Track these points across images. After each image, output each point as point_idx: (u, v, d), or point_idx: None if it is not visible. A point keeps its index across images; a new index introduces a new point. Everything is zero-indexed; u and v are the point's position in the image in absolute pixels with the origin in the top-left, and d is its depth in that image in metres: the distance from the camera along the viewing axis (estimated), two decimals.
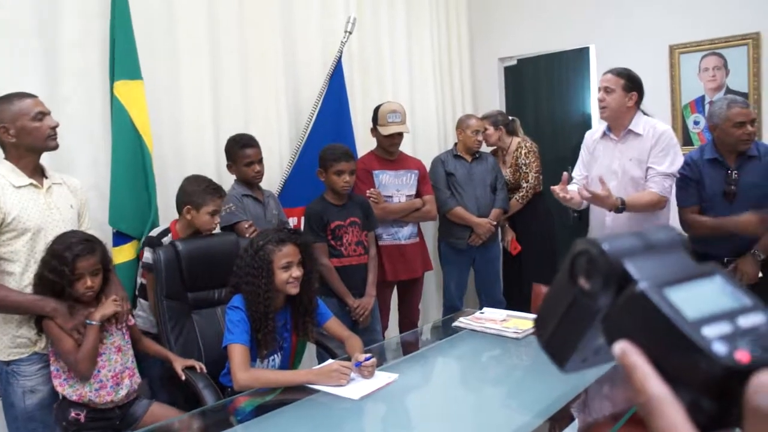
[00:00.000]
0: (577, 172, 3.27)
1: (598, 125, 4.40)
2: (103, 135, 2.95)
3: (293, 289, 2.35)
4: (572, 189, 3.11)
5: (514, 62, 5.25)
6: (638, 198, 2.93)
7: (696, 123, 4.20)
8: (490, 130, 4.29)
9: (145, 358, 2.62)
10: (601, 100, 3.03)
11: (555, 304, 0.57)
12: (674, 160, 2.96)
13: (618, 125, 3.05)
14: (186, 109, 3.27)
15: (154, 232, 2.87)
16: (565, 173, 3.03)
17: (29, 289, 2.25)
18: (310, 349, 3.22)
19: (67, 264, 2.18)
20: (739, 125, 2.91)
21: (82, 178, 2.72)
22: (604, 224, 3.11)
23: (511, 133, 4.40)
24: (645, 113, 3.09)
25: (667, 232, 0.57)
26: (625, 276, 0.51)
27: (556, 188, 2.95)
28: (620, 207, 2.86)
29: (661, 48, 4.25)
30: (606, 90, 3.00)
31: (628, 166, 3.01)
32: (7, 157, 2.30)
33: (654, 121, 3.08)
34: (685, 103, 4.23)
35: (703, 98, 4.16)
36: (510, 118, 4.46)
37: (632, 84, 2.99)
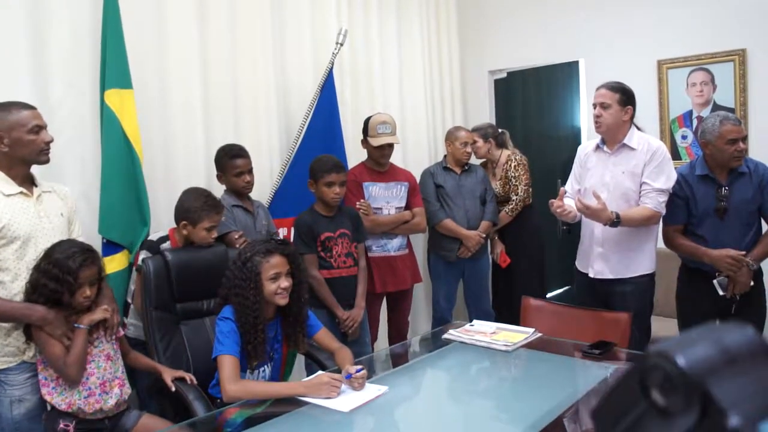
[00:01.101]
0: (569, 186, 3.29)
1: (587, 139, 4.46)
2: (93, 144, 2.94)
3: (282, 300, 2.34)
4: (568, 203, 3.14)
5: (504, 75, 5.28)
6: (633, 213, 2.96)
7: (684, 137, 4.25)
8: (480, 142, 4.31)
9: (133, 369, 2.61)
10: (597, 116, 3.04)
11: (620, 409, 0.52)
12: (669, 176, 3.00)
13: (613, 139, 3.08)
14: (176, 118, 3.27)
15: (154, 237, 2.86)
16: (562, 188, 3.05)
17: (19, 298, 2.23)
18: (299, 360, 3.21)
19: (71, 273, 2.18)
20: (732, 142, 2.93)
21: (72, 187, 2.71)
22: (593, 235, 3.13)
23: (501, 145, 4.42)
24: (638, 128, 3.12)
25: (745, 334, 0.51)
26: (708, 398, 0.46)
27: (554, 202, 2.96)
28: (615, 221, 2.89)
29: (650, 63, 4.30)
30: (602, 105, 3.02)
31: (620, 179, 3.04)
32: None
33: (647, 137, 3.13)
34: (673, 117, 4.27)
35: (691, 113, 4.21)
36: (500, 130, 4.48)
37: (627, 98, 3.03)
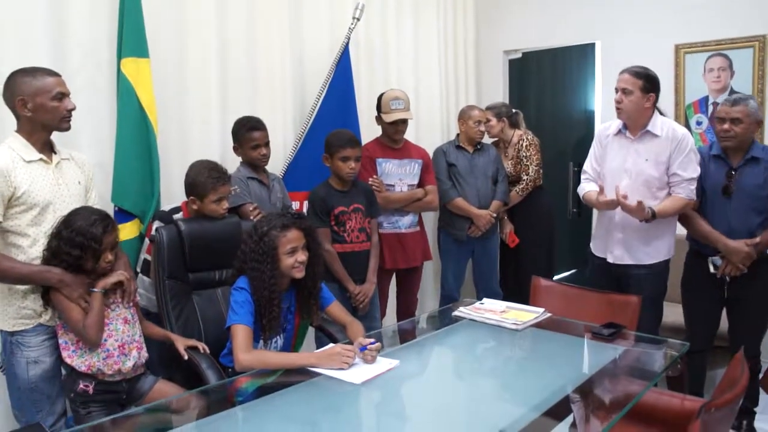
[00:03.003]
0: (588, 165, 3.28)
1: (601, 122, 4.44)
2: (108, 112, 2.95)
3: (299, 273, 2.36)
4: (591, 187, 3.16)
5: (519, 55, 5.25)
6: (668, 207, 2.98)
7: (699, 123, 4.22)
8: (493, 121, 4.30)
9: (144, 338, 2.63)
10: (618, 101, 3.02)
11: None
12: (696, 163, 3.02)
13: (635, 125, 3.06)
14: (191, 89, 3.27)
15: (166, 208, 2.88)
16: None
17: (37, 262, 2.26)
18: (309, 333, 3.24)
19: (96, 240, 2.22)
20: (719, 121, 2.98)
21: (86, 155, 2.71)
22: (613, 220, 3.13)
23: (514, 125, 4.41)
24: (661, 112, 3.11)
25: None
26: None
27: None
28: (651, 217, 2.92)
29: (667, 47, 4.26)
30: (624, 91, 2.99)
31: (643, 166, 3.03)
32: (18, 130, 2.30)
33: (671, 122, 3.11)
34: (688, 102, 4.25)
35: (706, 99, 4.18)
36: (513, 110, 4.47)
37: (650, 85, 2.99)
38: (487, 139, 4.31)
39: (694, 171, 3.00)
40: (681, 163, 2.98)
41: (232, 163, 3.20)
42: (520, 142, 4.29)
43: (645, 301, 2.84)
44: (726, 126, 2.95)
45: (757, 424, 3.20)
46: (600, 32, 4.64)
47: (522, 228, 4.38)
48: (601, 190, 3.00)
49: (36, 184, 2.26)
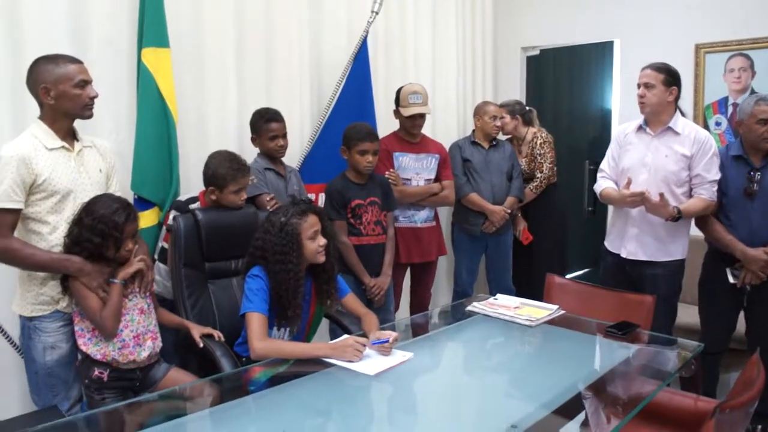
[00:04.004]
0: (606, 164, 3.29)
1: (618, 121, 4.43)
2: (128, 101, 2.97)
3: (322, 257, 2.40)
4: (608, 184, 3.16)
5: (537, 52, 5.24)
6: (692, 206, 2.99)
7: (717, 124, 4.20)
8: (507, 118, 4.30)
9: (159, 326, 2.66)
10: (641, 96, 3.04)
11: None
12: (718, 166, 3.03)
13: (657, 121, 3.07)
14: (210, 80, 3.29)
15: (183, 198, 2.90)
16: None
17: (57, 249, 2.28)
18: (323, 325, 3.26)
19: (118, 228, 2.23)
20: (763, 122, 2.93)
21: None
22: (629, 215, 3.13)
23: (528, 123, 4.41)
24: (683, 113, 3.12)
25: None
26: None
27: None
28: (677, 216, 2.92)
29: (687, 46, 4.24)
30: (646, 86, 3.02)
31: (663, 162, 3.03)
32: (41, 117, 2.32)
33: (693, 124, 3.13)
34: (707, 103, 4.22)
35: (726, 99, 4.15)
36: (527, 108, 4.46)
37: (672, 78, 3.02)
38: (500, 137, 4.30)
39: (717, 173, 3.01)
40: (705, 164, 2.99)
41: (249, 153, 3.21)
42: (534, 140, 4.29)
43: (659, 301, 2.84)
44: None
45: None
46: (619, 30, 4.63)
47: (535, 225, 4.38)
48: (628, 183, 2.99)
49: (57, 171, 2.28)
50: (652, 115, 3.08)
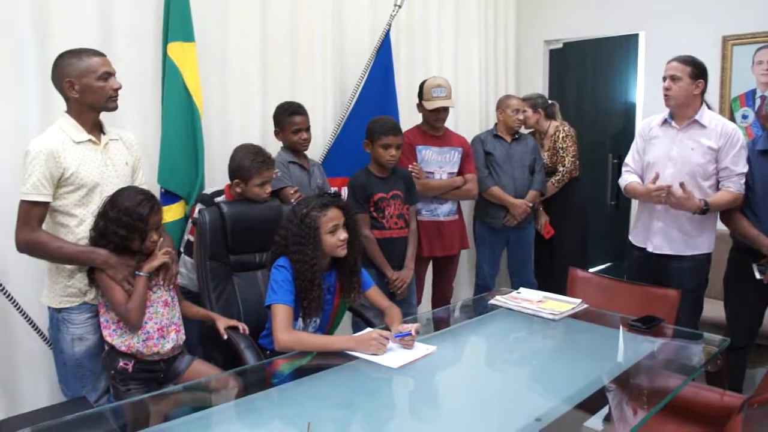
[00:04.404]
0: (630, 158, 3.28)
1: (643, 115, 4.39)
2: (153, 95, 3.01)
3: (342, 252, 2.39)
4: (633, 178, 3.15)
5: (560, 45, 5.20)
6: (720, 199, 2.97)
7: (744, 117, 4.14)
8: (529, 112, 4.28)
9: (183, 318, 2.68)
10: (667, 89, 3.02)
11: None
12: (746, 159, 3.00)
13: (683, 114, 3.05)
14: (234, 74, 3.32)
15: (209, 191, 2.92)
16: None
17: (84, 242, 2.31)
18: (346, 318, 3.27)
19: (142, 220, 2.25)
20: None
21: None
22: (654, 209, 3.12)
23: (550, 117, 4.38)
24: (709, 106, 3.09)
25: None
26: None
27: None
28: (704, 209, 2.89)
29: (714, 38, 4.18)
30: (672, 78, 3.00)
31: (688, 155, 3.01)
32: (68, 111, 2.34)
33: (721, 117, 3.10)
34: (734, 96, 4.16)
35: (754, 92, 4.09)
36: (550, 101, 4.43)
37: (699, 71, 2.99)
38: (522, 130, 4.28)
39: (745, 166, 2.98)
40: (733, 157, 2.97)
41: (272, 147, 3.23)
42: (557, 134, 4.27)
43: (685, 295, 2.82)
44: None
45: None
46: (644, 23, 4.57)
47: (557, 219, 4.36)
48: (655, 178, 2.97)
49: (84, 165, 2.31)
50: (677, 108, 3.05)
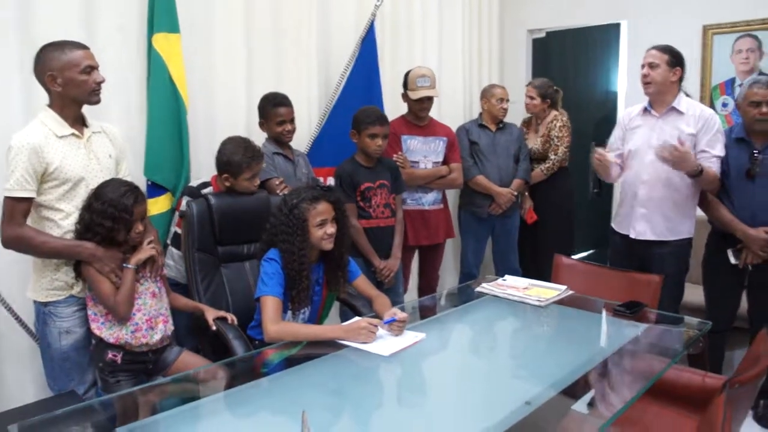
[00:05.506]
0: (608, 147, 3.31)
1: (625, 104, 4.42)
2: (138, 86, 2.99)
3: (328, 245, 2.40)
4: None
5: (543, 35, 5.22)
6: (709, 170, 2.98)
7: (724, 105, 4.19)
8: (537, 100, 4.28)
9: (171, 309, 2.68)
10: (645, 75, 3.08)
11: None
12: (723, 144, 3.06)
13: (661, 101, 3.11)
14: (219, 65, 3.30)
15: (195, 183, 2.92)
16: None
17: (70, 236, 2.29)
18: (334, 307, 3.29)
19: (127, 210, 2.24)
20: (754, 105, 2.97)
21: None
22: (636, 196, 3.16)
23: (553, 105, 4.37)
24: (687, 94, 3.15)
25: None
26: None
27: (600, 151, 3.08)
28: (699, 170, 2.92)
29: (695, 28, 4.23)
30: (650, 65, 3.06)
31: (669, 142, 3.03)
32: (50, 105, 2.32)
33: (697, 103, 3.16)
34: (715, 84, 4.21)
35: (733, 80, 4.15)
36: (554, 88, 4.40)
37: (676, 60, 3.06)
38: (518, 115, 4.26)
39: (722, 150, 3.04)
40: (709, 141, 3.03)
41: (257, 138, 3.22)
42: (554, 122, 4.26)
43: (666, 280, 2.87)
44: (765, 109, 2.94)
45: None
46: (626, 12, 4.61)
47: (542, 207, 4.38)
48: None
49: (68, 159, 2.29)
50: (656, 95, 3.11)
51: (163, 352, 2.45)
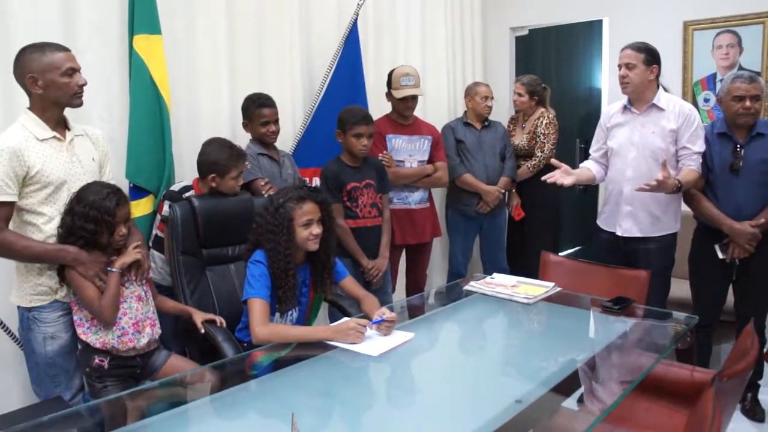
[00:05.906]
0: (592, 149, 3.37)
1: (608, 100, 4.45)
2: (120, 88, 2.96)
3: (313, 246, 2.38)
4: (588, 165, 3.25)
5: (526, 32, 5.23)
6: (689, 177, 2.99)
7: (706, 101, 4.22)
8: (525, 97, 4.28)
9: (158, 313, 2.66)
10: (623, 77, 3.07)
11: None
12: (703, 139, 3.07)
13: (640, 99, 3.11)
14: (201, 66, 3.27)
15: (176, 187, 2.90)
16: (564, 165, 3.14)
17: (52, 240, 2.27)
18: (323, 308, 3.27)
19: (110, 213, 2.22)
20: (738, 99, 2.98)
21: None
22: (622, 194, 3.17)
23: (541, 103, 4.38)
24: (665, 89, 3.16)
25: None
26: None
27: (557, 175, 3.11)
28: (678, 186, 2.92)
29: (675, 24, 4.25)
30: (627, 66, 3.05)
31: (650, 138, 3.07)
32: (31, 107, 2.29)
33: (676, 98, 3.17)
34: (696, 80, 4.24)
35: (714, 76, 4.18)
36: (542, 85, 4.40)
37: (652, 57, 3.05)
38: (503, 113, 4.26)
39: (702, 146, 3.05)
40: (690, 137, 3.03)
41: (241, 139, 3.21)
42: (540, 119, 4.26)
43: (653, 275, 2.88)
44: (748, 104, 2.96)
45: (761, 396, 3.25)
46: (608, 9, 4.63)
47: (529, 204, 4.38)
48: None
49: (49, 162, 2.26)
50: (635, 95, 3.11)
51: (151, 356, 2.42)
